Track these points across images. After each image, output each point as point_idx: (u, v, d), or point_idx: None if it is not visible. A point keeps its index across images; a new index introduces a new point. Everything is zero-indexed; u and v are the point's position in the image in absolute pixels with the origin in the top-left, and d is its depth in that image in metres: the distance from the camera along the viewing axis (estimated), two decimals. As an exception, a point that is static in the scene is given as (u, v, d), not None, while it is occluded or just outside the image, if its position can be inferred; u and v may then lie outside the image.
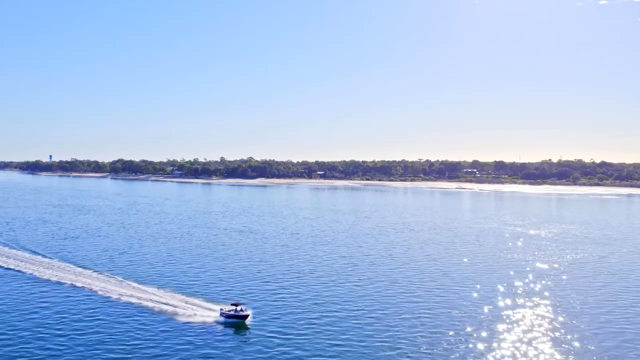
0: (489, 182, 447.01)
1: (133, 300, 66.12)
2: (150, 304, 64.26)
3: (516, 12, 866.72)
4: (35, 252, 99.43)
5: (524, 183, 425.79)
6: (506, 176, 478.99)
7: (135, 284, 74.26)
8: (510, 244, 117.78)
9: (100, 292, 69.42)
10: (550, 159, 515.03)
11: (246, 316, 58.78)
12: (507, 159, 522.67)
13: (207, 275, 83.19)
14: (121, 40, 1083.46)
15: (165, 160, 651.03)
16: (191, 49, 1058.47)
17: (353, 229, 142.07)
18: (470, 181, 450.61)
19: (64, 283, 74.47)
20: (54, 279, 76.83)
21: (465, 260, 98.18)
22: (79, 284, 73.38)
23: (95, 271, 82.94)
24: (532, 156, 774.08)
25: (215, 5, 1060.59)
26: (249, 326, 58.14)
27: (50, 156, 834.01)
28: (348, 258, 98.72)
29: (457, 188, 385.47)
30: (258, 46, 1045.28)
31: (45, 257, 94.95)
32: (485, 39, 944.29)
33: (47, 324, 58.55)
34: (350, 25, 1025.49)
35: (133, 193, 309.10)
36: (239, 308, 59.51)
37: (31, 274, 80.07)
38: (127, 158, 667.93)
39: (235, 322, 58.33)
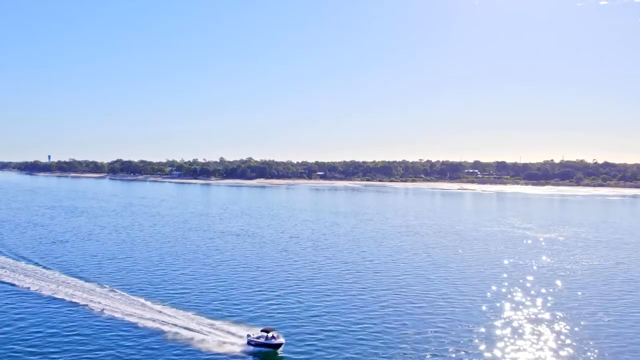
0: (491, 182, 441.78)
1: (122, 315, 60.54)
2: (139, 321, 58.46)
3: (516, 12, 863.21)
4: (19, 258, 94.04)
5: (526, 184, 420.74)
6: (508, 177, 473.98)
7: (125, 295, 68.84)
8: (520, 248, 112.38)
9: (82, 303, 63.95)
10: (552, 160, 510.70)
11: (279, 345, 50.83)
12: (508, 159, 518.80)
13: (200, 283, 77.67)
14: (121, 40, 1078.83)
15: (164, 160, 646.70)
16: (191, 49, 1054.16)
17: (355, 232, 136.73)
18: (472, 182, 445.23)
19: (44, 293, 68.93)
20: (34, 288, 71.32)
21: (473, 266, 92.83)
22: (60, 294, 67.81)
23: (80, 279, 77.51)
24: (532, 157, 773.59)
25: (215, 5, 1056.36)
26: (281, 356, 50.74)
27: (49, 156, 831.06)
28: (350, 264, 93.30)
29: (458, 189, 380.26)
30: (258, 46, 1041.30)
31: (29, 263, 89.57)
32: (485, 39, 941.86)
33: (19, 340, 53.11)
34: (350, 25, 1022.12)
35: (130, 194, 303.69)
36: (270, 335, 51.44)
37: (9, 282, 74.54)
38: (126, 158, 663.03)
39: (266, 352, 50.61)
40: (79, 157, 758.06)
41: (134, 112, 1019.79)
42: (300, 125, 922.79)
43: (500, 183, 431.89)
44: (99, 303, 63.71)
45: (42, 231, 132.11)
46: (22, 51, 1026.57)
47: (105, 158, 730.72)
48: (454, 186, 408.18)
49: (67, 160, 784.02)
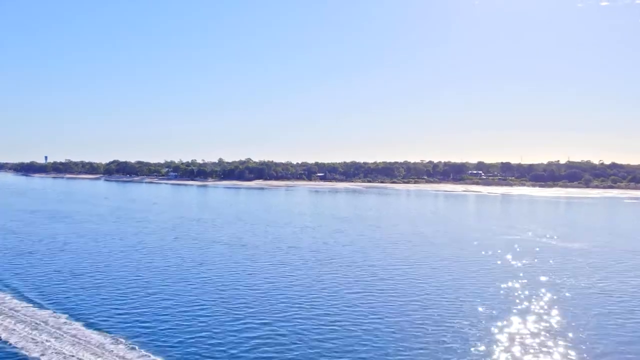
0: (496, 184, 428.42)
1: None
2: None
3: (517, 13, 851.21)
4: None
5: (533, 185, 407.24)
6: (513, 178, 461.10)
7: (82, 330, 55.22)
8: (551, 262, 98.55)
9: (19, 344, 50.20)
10: (558, 160, 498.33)
11: None
12: (509, 160, 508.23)
13: (178, 312, 63.94)
14: (121, 40, 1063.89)
15: (162, 161, 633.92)
16: (191, 49, 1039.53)
17: (361, 241, 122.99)
18: (477, 183, 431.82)
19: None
20: (-31, 319, 57.67)
21: (501, 285, 79.15)
22: (-2, 329, 54.17)
23: (33, 305, 63.81)
24: (532, 157, 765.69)
25: (215, 5, 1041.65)
26: None
27: (46, 157, 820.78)
28: (358, 284, 79.55)
29: (463, 191, 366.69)
30: (258, 46, 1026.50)
31: (-19, 282, 75.92)
32: (485, 39, 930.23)
33: None
34: (350, 25, 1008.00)
35: (121, 196, 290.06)
36: None
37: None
38: (126, 159, 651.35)
39: None
40: (78, 158, 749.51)
41: (134, 113, 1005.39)
42: (300, 126, 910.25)
43: (505, 184, 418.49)
44: (42, 343, 49.99)
45: (12, 240, 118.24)
46: (22, 51, 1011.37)
47: (104, 159, 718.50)
48: (458, 188, 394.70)
49: (63, 161, 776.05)
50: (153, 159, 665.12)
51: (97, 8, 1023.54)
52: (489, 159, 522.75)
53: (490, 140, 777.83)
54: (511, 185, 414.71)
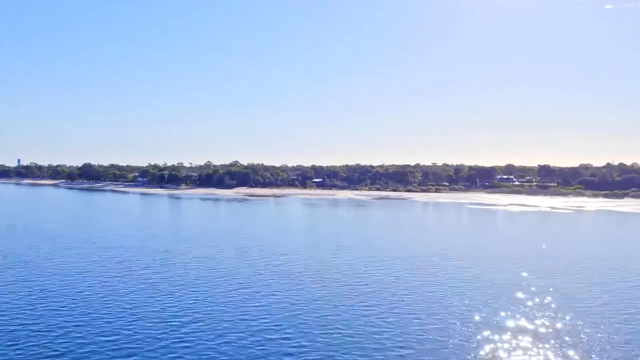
0: (544, 193, 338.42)
1: None
2: None
3: (518, 14, 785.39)
4: None
5: (595, 196, 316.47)
6: (556, 185, 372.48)
7: None
8: None
9: None
10: (608, 163, 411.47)
11: None
12: (515, 162, 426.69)
13: None
14: (119, 39, 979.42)
15: (146, 164, 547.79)
16: (190, 49, 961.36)
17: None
18: (518, 192, 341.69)
19: None
20: None
21: None
22: None
23: None
24: (536, 160, 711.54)
25: (215, 5, 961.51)
26: None
27: (19, 160, 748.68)
28: None
29: (511, 204, 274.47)
30: (258, 46, 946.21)
31: None
32: (487, 41, 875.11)
33: None
34: (350, 25, 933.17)
35: (49, 210, 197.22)
36: None
37: None
38: (119, 162, 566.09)
39: None
40: (61, 162, 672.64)
41: (132, 114, 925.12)
42: (299, 127, 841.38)
43: (558, 194, 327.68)
44: None
45: None
46: (17, 51, 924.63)
47: (95, 161, 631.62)
48: (500, 200, 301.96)
49: (27, 164, 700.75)
50: (141, 162, 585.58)
51: (97, 8, 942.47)
52: (501, 162, 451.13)
53: (496, 142, 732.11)
54: (565, 195, 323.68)
